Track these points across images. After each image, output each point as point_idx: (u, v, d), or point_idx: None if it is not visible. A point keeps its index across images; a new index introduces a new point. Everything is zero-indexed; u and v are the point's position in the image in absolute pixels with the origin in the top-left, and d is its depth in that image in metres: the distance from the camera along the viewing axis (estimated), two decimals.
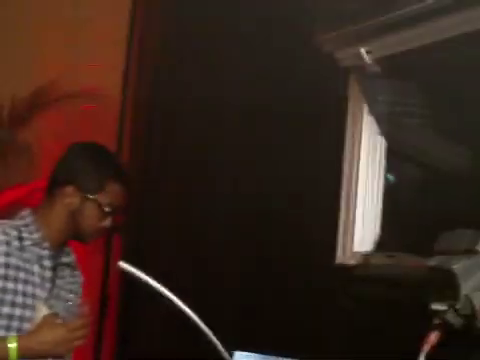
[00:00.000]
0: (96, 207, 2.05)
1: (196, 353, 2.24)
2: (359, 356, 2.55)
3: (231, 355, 3.33)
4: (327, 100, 2.95)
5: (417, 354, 2.09)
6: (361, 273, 2.59)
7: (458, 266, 2.10)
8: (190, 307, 1.70)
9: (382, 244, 2.65)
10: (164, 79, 3.74)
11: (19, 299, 1.97)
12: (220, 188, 3.59)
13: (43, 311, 1.98)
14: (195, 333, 1.75)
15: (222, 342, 2.00)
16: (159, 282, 1.62)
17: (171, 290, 1.66)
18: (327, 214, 2.84)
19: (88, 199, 2.04)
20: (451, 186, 2.64)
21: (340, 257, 2.69)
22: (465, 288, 2.10)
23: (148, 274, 1.63)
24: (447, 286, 2.12)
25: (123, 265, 1.61)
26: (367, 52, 2.56)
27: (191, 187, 3.63)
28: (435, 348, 2.10)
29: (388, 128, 2.71)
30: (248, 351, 3.36)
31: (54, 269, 2.05)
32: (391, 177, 2.80)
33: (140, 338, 3.62)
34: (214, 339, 1.69)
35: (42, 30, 3.86)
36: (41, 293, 2.01)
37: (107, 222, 2.08)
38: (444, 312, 2.11)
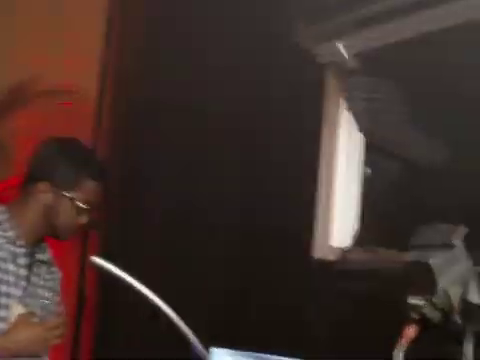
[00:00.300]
0: (71, 204, 2.02)
1: (175, 351, 2.23)
2: (338, 350, 2.56)
3: (208, 352, 3.33)
4: (305, 96, 2.94)
5: (396, 348, 2.10)
6: (339, 268, 2.59)
7: (435, 260, 2.10)
8: (169, 305, 1.69)
9: (360, 239, 2.65)
10: (142, 76, 3.73)
11: None
12: (202, 187, 3.58)
13: (18, 310, 1.95)
14: (174, 331, 1.74)
15: (200, 339, 1.99)
16: (138, 280, 1.60)
17: (149, 287, 1.64)
18: (306, 210, 2.83)
19: (63, 196, 2.01)
20: (429, 180, 2.64)
21: (318, 252, 2.69)
22: (442, 282, 2.10)
23: (125, 271, 1.61)
24: (424, 280, 2.13)
25: (96, 260, 1.58)
26: (345, 47, 2.55)
27: (171, 185, 3.61)
28: (413, 342, 2.11)
29: (366, 123, 2.70)
30: (226, 347, 3.36)
31: (29, 267, 2.02)
32: (369, 172, 2.80)
33: (118, 336, 3.60)
34: (190, 335, 1.67)
35: (18, 27, 3.82)
36: (16, 292, 1.98)
37: (83, 219, 2.05)
38: (422, 306, 2.11)
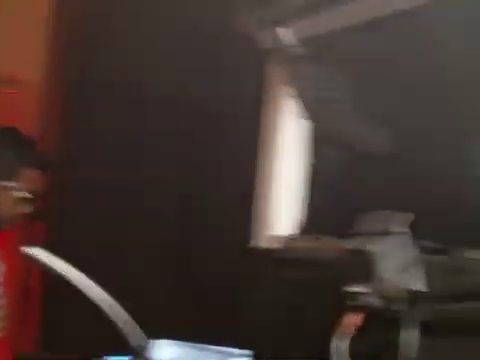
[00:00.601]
0: (11, 194, 1.99)
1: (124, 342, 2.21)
2: (279, 339, 2.55)
3: (150, 343, 3.31)
4: (247, 83, 2.93)
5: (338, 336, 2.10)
6: (281, 256, 2.58)
7: (377, 247, 2.11)
8: (110, 294, 1.65)
9: (302, 227, 2.64)
10: (86, 62, 3.68)
11: None
12: (140, 173, 3.56)
13: None
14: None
15: (142, 330, 1.97)
16: (81, 269, 1.56)
17: (93, 278, 1.61)
18: (247, 198, 2.82)
19: (2, 186, 1.99)
20: (372, 169, 2.64)
21: (259, 240, 2.67)
22: (384, 269, 2.11)
23: (69, 261, 1.56)
24: (366, 267, 2.13)
25: (27, 251, 1.47)
26: (288, 33, 2.53)
27: (114, 173, 3.58)
28: (355, 330, 2.11)
29: (308, 111, 2.69)
30: (167, 338, 3.34)
31: None
32: (312, 160, 2.79)
33: (64, 328, 3.56)
34: (124, 324, 1.62)
35: None
36: None
37: (24, 209, 2.03)
38: (364, 294, 2.11)
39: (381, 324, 2.17)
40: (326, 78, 2.67)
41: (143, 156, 3.60)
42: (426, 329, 2.09)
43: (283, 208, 2.71)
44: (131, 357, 1.76)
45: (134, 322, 1.69)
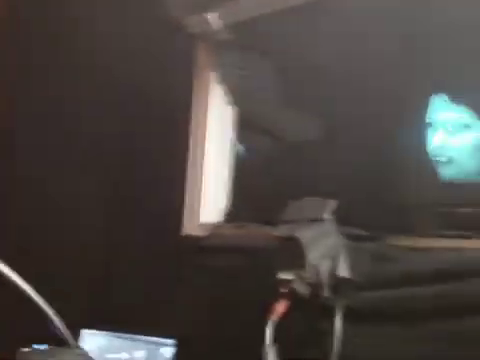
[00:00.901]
0: None
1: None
2: (209, 328, 2.53)
3: (78, 333, 3.26)
4: (176, 68, 2.89)
5: (266, 324, 2.09)
6: (209, 244, 2.56)
7: (304, 234, 2.10)
8: (32, 284, 1.61)
9: (231, 215, 2.62)
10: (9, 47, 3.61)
11: None
12: (68, 164, 3.51)
13: None
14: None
15: (68, 320, 1.93)
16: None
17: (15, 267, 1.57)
18: (175, 185, 2.79)
19: None
20: (301, 155, 2.64)
21: (187, 228, 2.64)
22: (311, 256, 2.11)
23: None
24: (294, 255, 2.12)
25: None
26: (216, 18, 2.50)
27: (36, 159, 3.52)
28: (282, 317, 2.10)
29: (237, 97, 2.67)
30: (97, 328, 3.30)
31: None
32: (240, 147, 2.77)
33: None
34: (49, 312, 1.59)
35: None
36: None
37: None
38: (291, 281, 2.11)
39: (307, 311, 2.17)
40: (255, 64, 2.65)
41: (70, 144, 3.56)
42: (352, 316, 2.09)
43: (212, 195, 2.69)
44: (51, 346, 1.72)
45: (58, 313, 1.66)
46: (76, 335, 3.25)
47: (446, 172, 2.36)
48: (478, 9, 2.19)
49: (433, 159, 2.39)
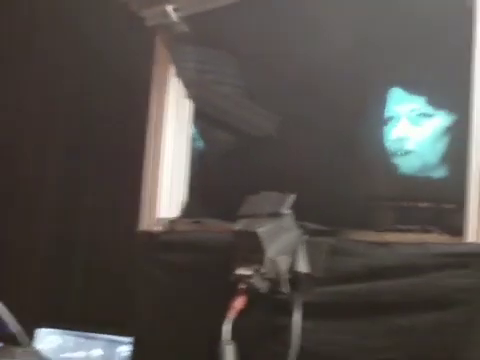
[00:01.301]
0: None
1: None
2: (166, 325, 2.50)
3: (34, 331, 3.21)
4: (134, 61, 2.87)
5: (225, 320, 2.07)
6: (166, 239, 2.52)
7: (262, 229, 2.08)
8: None
9: (189, 210, 2.59)
10: None
11: None
12: (23, 170, 3.48)
13: None
14: None
15: (25, 319, 1.90)
16: None
17: None
18: (133, 180, 2.76)
19: None
20: (259, 150, 2.62)
21: (145, 224, 2.61)
22: (270, 251, 2.09)
23: None
24: (252, 250, 2.10)
25: None
26: (174, 10, 2.47)
27: None
28: (240, 313, 2.08)
29: (195, 91, 2.64)
30: (53, 327, 3.26)
31: None
32: (198, 141, 2.75)
33: None
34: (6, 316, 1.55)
35: None
36: None
37: None
38: (249, 276, 2.09)
39: (266, 306, 2.15)
40: (212, 57, 2.63)
41: (27, 139, 3.54)
42: (311, 311, 2.08)
43: (170, 190, 2.65)
44: None
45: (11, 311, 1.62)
46: (32, 334, 3.22)
47: (407, 165, 2.36)
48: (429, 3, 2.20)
49: (393, 153, 2.38)
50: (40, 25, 3.56)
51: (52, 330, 3.30)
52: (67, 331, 3.28)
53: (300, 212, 2.16)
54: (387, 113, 2.38)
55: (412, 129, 2.34)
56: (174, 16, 2.47)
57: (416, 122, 2.33)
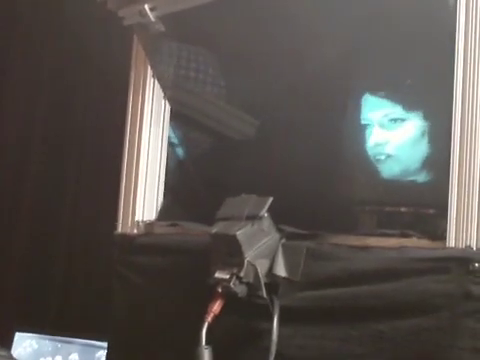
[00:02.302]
0: None
1: None
2: (144, 329, 2.47)
3: (12, 336, 3.18)
4: (113, 61, 2.84)
5: (202, 324, 2.04)
6: (143, 242, 2.50)
7: (241, 232, 2.06)
8: None
9: (166, 212, 2.57)
10: None
11: None
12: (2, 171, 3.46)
13: None
14: None
15: (3, 323, 1.87)
16: None
17: None
18: (111, 182, 2.73)
19: None
20: (238, 153, 2.60)
21: (121, 226, 2.58)
22: (248, 255, 2.06)
23: None
24: (230, 253, 2.08)
25: None
26: (151, 9, 2.44)
27: None
28: (218, 317, 2.06)
29: (173, 92, 2.61)
30: (31, 332, 3.24)
31: None
32: (176, 143, 2.72)
33: None
34: None
35: None
36: None
37: None
38: (227, 280, 2.06)
39: (244, 310, 2.12)
40: (190, 57, 2.61)
41: (6, 142, 3.53)
42: (289, 316, 2.05)
43: (147, 192, 2.63)
44: None
45: None
46: (9, 338, 3.20)
47: (386, 169, 2.34)
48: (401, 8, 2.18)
49: (372, 157, 2.37)
50: (21, 24, 3.55)
51: (30, 335, 3.27)
52: (45, 336, 3.26)
53: (279, 215, 2.13)
54: (362, 119, 2.37)
55: (387, 134, 2.32)
56: (151, 15, 2.44)
57: (390, 127, 2.31)
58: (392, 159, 2.32)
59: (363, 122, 2.36)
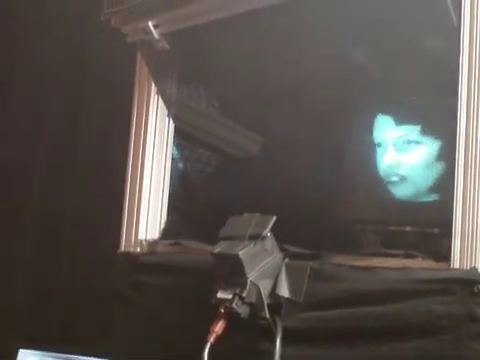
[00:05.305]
0: None
1: None
2: (146, 347, 2.46)
3: (15, 353, 3.17)
4: (118, 79, 2.84)
5: (205, 344, 2.03)
6: (145, 261, 2.49)
7: (243, 252, 2.04)
8: None
9: (169, 231, 2.56)
10: None
11: None
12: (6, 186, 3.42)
13: None
14: None
15: (7, 339, 1.86)
16: None
17: None
18: (114, 200, 2.72)
19: None
20: (242, 172, 2.60)
21: (125, 245, 2.57)
22: (251, 275, 2.05)
23: None
24: (233, 273, 2.06)
25: None
26: (154, 27, 2.44)
27: None
28: (220, 337, 2.04)
29: (177, 110, 2.61)
30: (33, 348, 3.22)
31: None
32: (179, 161, 2.72)
33: None
34: None
35: None
36: None
37: None
38: (230, 300, 2.05)
39: (247, 331, 2.10)
40: (195, 75, 2.61)
41: (10, 158, 3.52)
42: (292, 337, 2.03)
43: (151, 211, 2.62)
44: None
45: None
46: (13, 355, 3.18)
47: (397, 191, 2.33)
48: (416, 31, 2.18)
49: (381, 178, 2.35)
50: (25, 40, 3.55)
51: (33, 351, 3.26)
52: (48, 353, 3.25)
53: (283, 235, 2.11)
54: (374, 139, 2.36)
55: (400, 156, 2.31)
56: (155, 32, 2.44)
57: (403, 149, 2.30)
58: (403, 181, 2.31)
59: (375, 141, 2.35)
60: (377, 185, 2.34)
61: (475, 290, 1.79)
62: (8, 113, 3.58)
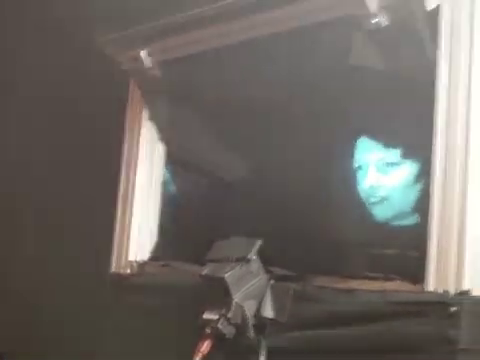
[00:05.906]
0: None
1: None
2: None
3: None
4: (108, 104, 2.88)
5: None
6: (135, 282, 2.53)
7: (229, 274, 2.09)
8: None
9: (158, 253, 2.61)
10: None
11: None
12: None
13: None
14: None
15: None
16: None
17: None
18: (105, 222, 2.77)
19: None
20: (229, 195, 2.63)
21: (115, 266, 2.62)
22: (237, 296, 2.09)
23: None
24: (219, 294, 2.11)
25: None
26: (148, 55, 2.50)
27: None
28: (206, 357, 2.08)
29: (167, 135, 2.66)
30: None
31: None
32: (169, 183, 2.76)
33: None
34: None
35: None
36: None
37: None
38: (216, 321, 2.09)
39: (232, 351, 2.15)
40: (186, 102, 2.65)
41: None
42: (276, 356, 2.08)
43: (141, 233, 2.67)
44: None
45: None
46: None
47: (378, 212, 2.37)
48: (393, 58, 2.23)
49: (361, 200, 2.40)
50: (18, 62, 3.57)
51: None
52: None
53: (269, 257, 2.16)
54: (356, 162, 2.40)
55: (381, 178, 2.36)
56: (148, 61, 2.50)
57: (383, 171, 2.35)
58: (383, 202, 2.35)
59: (356, 164, 2.40)
60: (359, 207, 2.38)
61: (448, 312, 1.85)
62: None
